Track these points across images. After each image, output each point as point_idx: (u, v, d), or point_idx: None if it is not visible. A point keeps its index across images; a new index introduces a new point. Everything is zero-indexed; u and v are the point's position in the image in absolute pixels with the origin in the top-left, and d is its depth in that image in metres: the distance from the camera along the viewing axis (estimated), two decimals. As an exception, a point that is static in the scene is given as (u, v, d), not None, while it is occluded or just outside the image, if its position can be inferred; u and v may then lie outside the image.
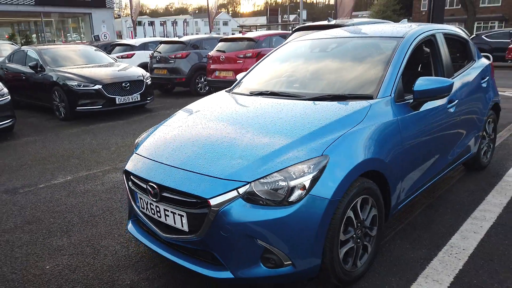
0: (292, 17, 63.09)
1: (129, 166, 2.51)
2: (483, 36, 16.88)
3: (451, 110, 3.10)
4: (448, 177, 4.03)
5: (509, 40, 15.28)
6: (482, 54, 4.07)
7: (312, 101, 2.62)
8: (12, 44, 13.66)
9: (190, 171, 2.14)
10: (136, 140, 2.87)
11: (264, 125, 2.38)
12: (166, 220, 2.23)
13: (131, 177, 2.47)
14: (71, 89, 7.37)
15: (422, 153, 2.80)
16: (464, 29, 3.97)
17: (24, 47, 9.36)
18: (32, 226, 3.28)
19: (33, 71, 8.11)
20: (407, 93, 2.71)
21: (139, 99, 7.99)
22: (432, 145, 2.92)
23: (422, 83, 2.59)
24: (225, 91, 3.36)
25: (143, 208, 2.40)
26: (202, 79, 10.33)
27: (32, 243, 3.00)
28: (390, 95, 2.57)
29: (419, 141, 2.72)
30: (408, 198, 2.78)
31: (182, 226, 2.14)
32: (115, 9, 23.62)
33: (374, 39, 3.12)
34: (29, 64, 8.22)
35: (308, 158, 2.05)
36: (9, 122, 6.49)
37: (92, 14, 21.70)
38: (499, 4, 39.45)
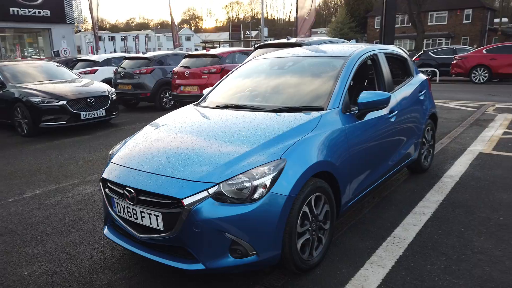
0: (254, 33, 64.38)
1: (105, 174, 2.73)
2: (430, 53, 18.24)
3: (392, 119, 3.56)
4: (394, 179, 4.51)
5: (453, 56, 16.60)
6: (429, 69, 4.63)
7: (271, 113, 2.98)
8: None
9: (165, 175, 2.42)
10: (110, 151, 3.09)
11: (229, 134, 2.70)
12: (142, 221, 2.47)
13: (108, 184, 2.69)
14: (34, 105, 7.37)
15: (368, 157, 3.22)
16: (403, 49, 4.49)
17: (-18, 63, 9.18)
18: (6, 237, 3.38)
19: (-7, 88, 8.01)
20: (353, 105, 3.13)
21: (104, 114, 8.07)
22: (376, 150, 3.35)
23: (365, 96, 3.02)
24: (193, 105, 3.66)
25: (120, 212, 2.62)
26: (167, 94, 10.53)
27: (8, 253, 3.12)
28: (338, 107, 2.98)
29: (364, 147, 3.14)
30: (356, 197, 3.18)
31: (158, 226, 2.40)
32: (75, 24, 23.26)
33: (325, 58, 3.56)
34: (-12, 80, 8.10)
35: (268, 161, 2.39)
36: (-31, 139, 6.41)
37: (52, 29, 21.31)
38: (445, 23, 42.51)
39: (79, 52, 41.56)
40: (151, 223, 2.43)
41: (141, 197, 2.43)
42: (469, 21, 41.35)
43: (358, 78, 4.04)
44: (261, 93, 3.47)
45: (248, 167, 2.36)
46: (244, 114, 3.04)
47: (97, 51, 22.07)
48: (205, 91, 3.92)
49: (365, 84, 4.05)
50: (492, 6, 47.72)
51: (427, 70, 17.59)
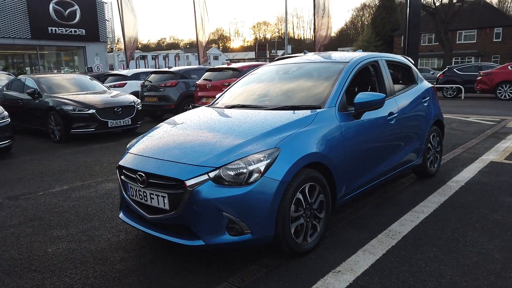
0: (280, 52, 65.37)
1: (121, 162, 3.07)
2: (454, 69, 18.07)
3: (392, 122, 3.75)
4: (400, 182, 4.64)
5: (478, 73, 16.41)
6: (454, 86, 4.77)
7: (272, 110, 3.26)
8: (8, 74, 14.29)
9: (170, 160, 2.72)
10: (128, 144, 3.44)
11: (231, 128, 3.00)
12: (151, 202, 2.77)
13: (123, 170, 3.02)
14: (66, 113, 7.95)
15: (365, 155, 3.42)
16: (408, 58, 4.64)
17: (21, 76, 10.00)
18: (34, 223, 3.76)
19: (31, 98, 8.69)
20: (351, 106, 3.35)
21: (130, 123, 8.57)
22: (374, 150, 3.54)
23: (361, 96, 3.25)
24: (205, 106, 3.99)
25: (133, 196, 2.93)
26: (190, 106, 11.00)
27: (35, 234, 3.48)
28: (335, 106, 3.22)
29: (361, 145, 3.34)
30: (353, 193, 3.36)
31: (164, 206, 2.68)
32: (108, 43, 24.64)
33: (327, 64, 3.82)
34: (26, 91, 8.80)
35: (263, 150, 2.65)
36: (8, 142, 6.99)
37: (86, 47, 22.69)
38: (475, 41, 41.86)
39: (112, 69, 43.48)
40: (158, 204, 2.72)
41: (150, 180, 2.73)
42: (500, 39, 40.59)
43: (360, 83, 4.26)
44: (266, 94, 3.76)
45: (245, 154, 2.62)
46: (247, 112, 3.33)
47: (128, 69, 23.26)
48: (217, 96, 4.25)
49: (369, 90, 4.26)
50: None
51: (452, 87, 17.44)
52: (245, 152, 2.64)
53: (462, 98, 16.72)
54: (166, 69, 11.83)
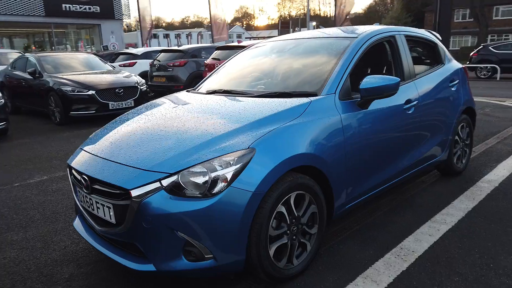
0: (304, 30, 63.47)
1: (70, 160, 2.54)
2: (490, 48, 16.62)
3: (409, 111, 3.05)
4: (419, 181, 3.95)
5: (517, 51, 15.01)
6: (489, 66, 3.98)
7: (255, 98, 2.62)
8: (20, 53, 14.06)
9: (118, 162, 2.16)
10: (91, 135, 2.91)
11: (199, 121, 2.39)
12: (98, 212, 2.23)
13: (72, 170, 2.49)
14: (65, 94, 7.54)
15: (373, 153, 2.75)
16: (434, 33, 3.86)
17: (26, 54, 9.63)
18: (-6, 222, 3.33)
19: (32, 77, 8.33)
20: (357, 93, 2.68)
21: (133, 105, 8.08)
22: (385, 146, 2.87)
23: (368, 80, 2.57)
24: (186, 91, 3.39)
25: (81, 201, 2.41)
26: (200, 87, 10.42)
27: (-12, 237, 3.04)
28: (335, 93, 2.55)
29: (368, 140, 2.68)
30: (356, 200, 2.72)
31: (110, 218, 2.15)
32: (124, 20, 24.17)
33: (329, 39, 3.12)
34: (27, 70, 8.44)
35: (233, 151, 2.04)
36: (2, 125, 6.65)
37: (101, 25, 22.29)
38: (513, 17, 38.98)
39: (135, 47, 43.25)
40: (104, 215, 2.18)
41: (94, 186, 2.19)
42: (542, 15, 37.60)
43: (372, 64, 3.55)
44: (254, 78, 3.11)
45: (209, 156, 2.03)
46: (225, 100, 2.71)
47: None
48: (205, 77, 3.65)
49: (384, 72, 3.54)
50: None
51: (487, 67, 16.08)
52: (209, 152, 2.05)
53: (498, 79, 15.38)
54: (176, 48, 11.23)
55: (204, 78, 3.54)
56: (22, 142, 6.47)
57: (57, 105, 7.75)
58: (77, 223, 2.63)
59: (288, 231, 2.24)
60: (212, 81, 3.37)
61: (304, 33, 3.49)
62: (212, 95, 2.93)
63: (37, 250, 2.81)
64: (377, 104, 2.73)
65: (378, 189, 2.93)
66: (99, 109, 7.68)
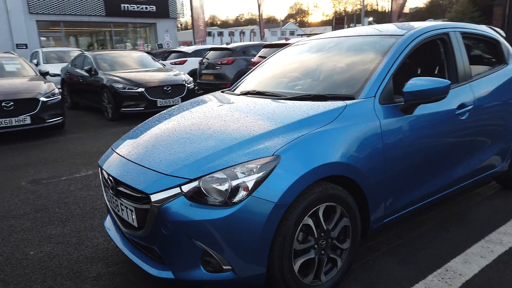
0: (358, 26, 61.62)
1: (101, 160, 2.55)
2: None
3: (463, 117, 2.74)
4: (475, 193, 3.58)
5: None
6: None
7: (287, 101, 2.47)
8: (80, 51, 14.92)
9: (142, 165, 2.12)
10: (124, 135, 2.92)
11: (226, 124, 2.29)
12: (122, 214, 2.22)
13: (102, 170, 2.51)
14: (117, 91, 7.84)
15: (417, 162, 2.49)
16: (497, 29, 3.40)
17: (85, 52, 10.16)
18: (37, 215, 3.48)
19: (88, 74, 8.76)
20: (400, 96, 2.43)
21: (179, 102, 8.24)
22: (433, 155, 2.59)
23: (414, 83, 2.32)
24: (221, 91, 3.32)
25: (110, 202, 2.42)
26: (247, 85, 10.40)
27: (30, 230, 3.17)
28: (374, 96, 2.33)
29: (411, 148, 2.43)
30: (397, 213, 2.48)
31: (133, 222, 2.12)
32: (179, 19, 24.85)
33: (373, 37, 2.88)
34: (85, 67, 8.89)
35: (256, 158, 1.92)
36: (59, 119, 7.04)
37: (156, 24, 23.10)
38: None
39: (189, 46, 44.52)
40: (128, 218, 2.16)
41: (119, 188, 2.17)
42: None
43: (423, 63, 3.25)
44: (291, 78, 2.96)
45: (231, 162, 1.92)
46: (255, 102, 2.58)
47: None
48: (242, 77, 3.55)
49: (436, 73, 3.21)
50: None
51: None
52: (231, 159, 1.94)
53: None
54: (224, 46, 11.29)
55: (241, 78, 3.44)
56: (76, 137, 6.81)
57: (110, 102, 8.09)
58: (108, 222, 2.65)
59: (315, 245, 2.07)
60: (248, 81, 3.26)
61: (349, 31, 3.27)
62: (243, 97, 2.82)
63: (72, 246, 2.88)
64: (424, 109, 2.46)
65: (424, 202, 2.66)
66: (148, 106, 7.90)
